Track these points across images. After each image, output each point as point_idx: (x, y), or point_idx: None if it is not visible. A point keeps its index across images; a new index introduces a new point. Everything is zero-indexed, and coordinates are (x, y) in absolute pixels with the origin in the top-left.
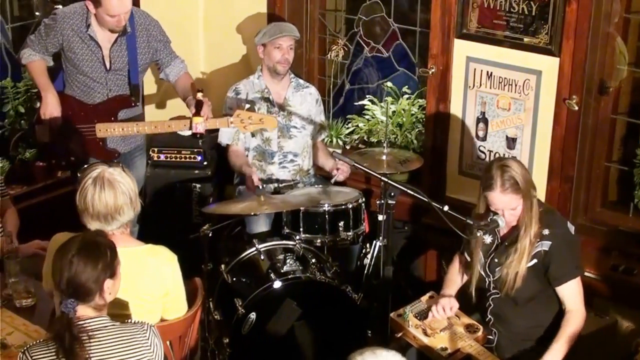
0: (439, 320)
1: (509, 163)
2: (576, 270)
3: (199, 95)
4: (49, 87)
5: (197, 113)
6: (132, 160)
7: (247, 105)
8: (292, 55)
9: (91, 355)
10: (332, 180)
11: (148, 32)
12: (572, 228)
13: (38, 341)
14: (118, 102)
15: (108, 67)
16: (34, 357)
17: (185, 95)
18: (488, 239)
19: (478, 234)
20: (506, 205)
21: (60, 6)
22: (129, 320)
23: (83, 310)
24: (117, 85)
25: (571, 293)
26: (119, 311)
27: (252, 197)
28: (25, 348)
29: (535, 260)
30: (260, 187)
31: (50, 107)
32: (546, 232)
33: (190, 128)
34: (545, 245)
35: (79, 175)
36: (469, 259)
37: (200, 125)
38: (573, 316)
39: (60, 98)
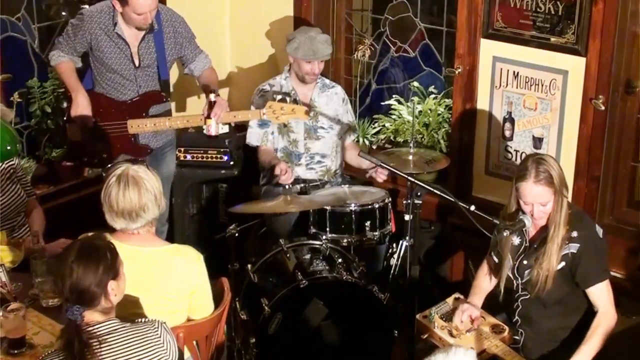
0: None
1: (546, 157)
2: (603, 274)
3: (211, 96)
4: (79, 88)
5: (208, 115)
6: (163, 156)
7: (279, 97)
8: (322, 68)
9: None
10: (368, 175)
11: (174, 28)
12: (600, 231)
13: (51, 351)
14: (149, 98)
15: (137, 64)
16: None
17: (205, 88)
18: (516, 240)
19: (505, 234)
20: (537, 198)
21: (87, 6)
22: (140, 320)
23: (91, 316)
24: (146, 82)
25: (600, 295)
26: (132, 310)
27: (278, 197)
28: (40, 358)
29: (563, 263)
30: (288, 186)
31: (81, 107)
32: (574, 234)
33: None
34: (573, 247)
35: (103, 174)
36: (497, 260)
37: (212, 127)
38: (603, 318)
39: (90, 96)
